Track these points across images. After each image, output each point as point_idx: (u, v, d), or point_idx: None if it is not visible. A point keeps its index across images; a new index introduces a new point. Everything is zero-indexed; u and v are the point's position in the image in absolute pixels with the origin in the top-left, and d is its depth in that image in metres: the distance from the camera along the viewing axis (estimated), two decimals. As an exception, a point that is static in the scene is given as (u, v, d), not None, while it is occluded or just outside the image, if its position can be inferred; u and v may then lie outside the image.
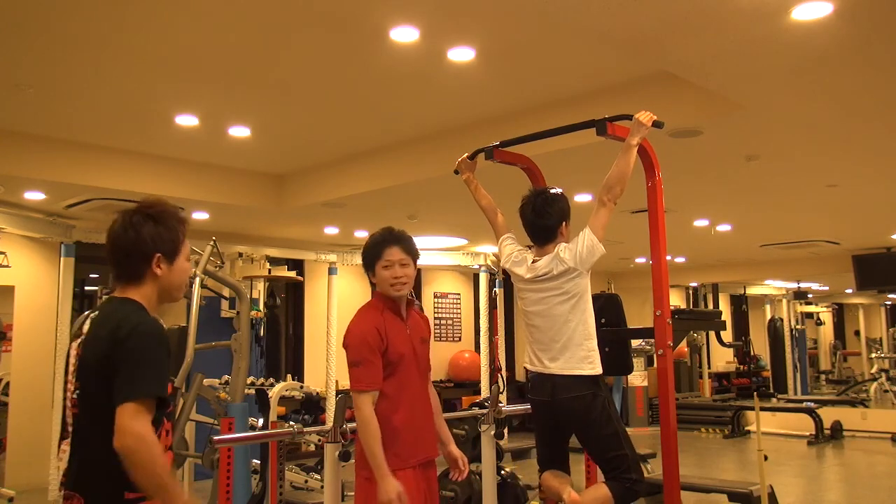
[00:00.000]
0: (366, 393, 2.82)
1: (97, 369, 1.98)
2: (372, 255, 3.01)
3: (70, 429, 2.08)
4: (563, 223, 3.46)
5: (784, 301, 15.24)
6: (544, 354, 3.41)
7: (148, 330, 1.99)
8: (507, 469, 5.40)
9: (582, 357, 3.33)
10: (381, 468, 2.77)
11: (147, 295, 2.11)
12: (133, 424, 1.87)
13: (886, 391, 13.38)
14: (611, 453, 3.34)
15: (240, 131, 5.96)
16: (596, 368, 3.36)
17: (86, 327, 2.10)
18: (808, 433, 10.48)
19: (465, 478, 3.21)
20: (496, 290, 10.03)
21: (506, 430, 5.78)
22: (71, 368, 2.09)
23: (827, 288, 16.98)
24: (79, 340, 2.10)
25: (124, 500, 1.94)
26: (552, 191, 3.55)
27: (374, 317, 2.93)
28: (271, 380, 7.61)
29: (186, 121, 5.66)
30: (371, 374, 2.84)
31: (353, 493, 3.01)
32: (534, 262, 3.46)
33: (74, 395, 2.06)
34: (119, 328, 1.98)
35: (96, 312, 2.14)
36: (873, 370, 14.71)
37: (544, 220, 3.45)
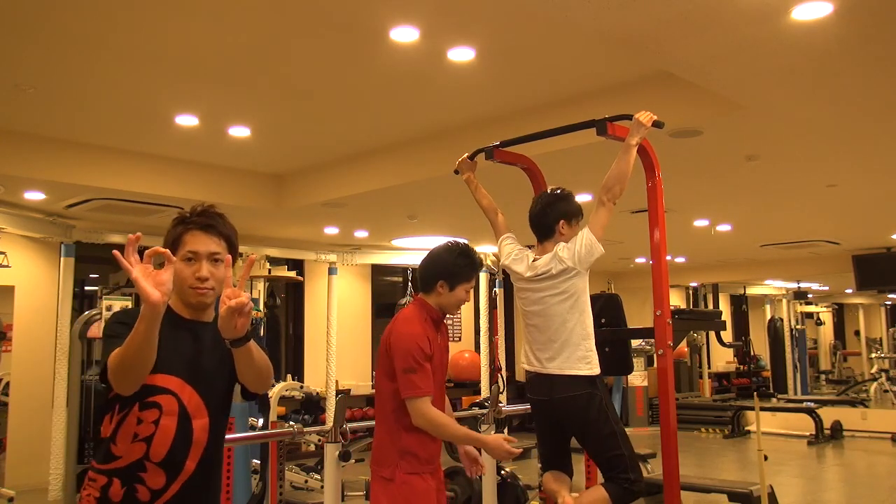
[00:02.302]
0: (426, 398, 2.84)
1: None
2: (462, 276, 3.02)
3: None
4: (561, 221, 3.47)
5: (784, 301, 15.23)
6: (542, 353, 3.42)
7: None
8: (507, 469, 5.40)
9: (580, 357, 3.34)
10: (474, 437, 2.97)
11: None
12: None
13: (886, 391, 13.38)
14: (609, 453, 3.35)
15: (240, 131, 5.96)
16: (594, 369, 3.37)
17: None
18: (808, 433, 10.48)
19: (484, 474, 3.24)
20: (496, 290, 10.03)
21: (506, 430, 5.76)
22: None
23: (827, 288, 16.97)
24: None
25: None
26: (558, 191, 3.58)
27: (422, 324, 2.97)
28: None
29: (186, 121, 5.65)
30: (427, 380, 2.87)
31: (353, 494, 3.01)
32: (534, 260, 3.48)
33: None
34: None
35: None
36: (873, 370, 14.72)
37: (541, 217, 3.51)
